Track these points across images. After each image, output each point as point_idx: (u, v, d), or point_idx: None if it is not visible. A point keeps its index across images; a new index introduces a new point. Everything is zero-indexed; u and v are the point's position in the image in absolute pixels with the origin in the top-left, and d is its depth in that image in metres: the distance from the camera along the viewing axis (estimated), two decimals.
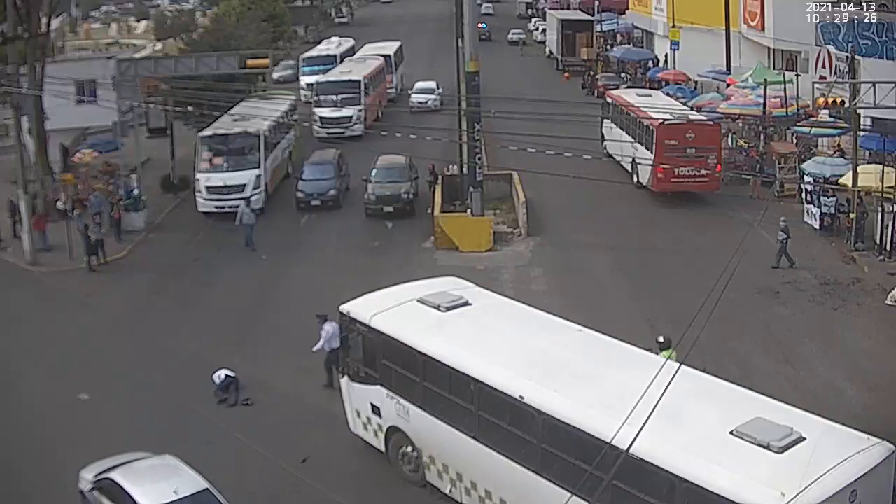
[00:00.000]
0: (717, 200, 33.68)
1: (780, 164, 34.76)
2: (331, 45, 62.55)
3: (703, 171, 33.35)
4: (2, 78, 32.21)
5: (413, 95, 51.95)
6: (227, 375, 20.83)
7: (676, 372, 10.78)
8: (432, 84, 53.53)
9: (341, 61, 55.78)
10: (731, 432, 12.71)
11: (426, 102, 50.97)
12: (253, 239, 31.17)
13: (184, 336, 24.14)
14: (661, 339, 18.82)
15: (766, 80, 38.82)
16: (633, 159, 35.93)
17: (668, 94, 43.50)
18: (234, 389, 20.77)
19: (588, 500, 12.35)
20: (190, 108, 35.94)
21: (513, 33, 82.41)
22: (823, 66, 35.87)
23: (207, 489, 14.40)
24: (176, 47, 64.41)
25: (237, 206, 34.21)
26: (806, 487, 11.56)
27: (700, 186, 33.86)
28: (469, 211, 31.04)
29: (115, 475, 14.84)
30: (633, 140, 36.14)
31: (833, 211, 30.24)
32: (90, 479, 15.43)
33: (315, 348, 20.80)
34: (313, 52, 60.86)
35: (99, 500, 15.01)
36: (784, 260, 27.68)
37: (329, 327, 20.37)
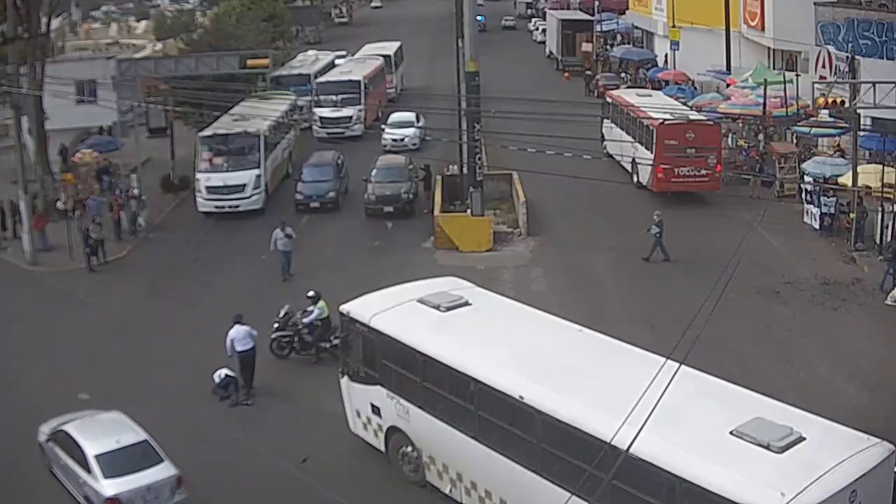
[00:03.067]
0: (717, 200, 33.68)
1: (780, 164, 34.76)
2: (305, 61, 54.17)
3: (703, 171, 33.36)
4: (2, 78, 32.25)
5: (386, 130, 42.82)
6: (226, 375, 20.83)
7: (676, 372, 10.78)
8: (411, 116, 44.27)
9: (316, 76, 49.49)
10: (731, 432, 12.71)
11: (402, 140, 42.11)
12: (291, 269, 28.17)
13: (184, 336, 24.14)
14: (311, 293, 21.59)
15: (766, 80, 38.83)
16: (633, 159, 35.93)
17: (668, 95, 43.46)
18: (233, 389, 20.77)
19: (588, 500, 12.35)
20: (180, 109, 35.60)
21: (505, 20, 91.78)
22: (823, 66, 35.84)
23: (146, 440, 16.33)
24: (176, 47, 64.39)
25: (237, 206, 34.31)
26: (806, 487, 11.56)
27: (700, 186, 33.86)
28: (469, 211, 31.04)
29: (67, 428, 16.83)
30: (633, 140, 36.14)
31: (833, 211, 30.25)
32: (47, 432, 17.49)
33: (228, 352, 20.86)
34: (283, 71, 51.20)
35: (53, 449, 17.10)
36: (658, 253, 28.15)
37: (234, 330, 20.69)
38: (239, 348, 20.73)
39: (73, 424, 16.89)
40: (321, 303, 22.45)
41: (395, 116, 44.72)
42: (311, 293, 22.54)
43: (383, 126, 43.32)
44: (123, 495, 15.45)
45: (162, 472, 15.90)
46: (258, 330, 21.48)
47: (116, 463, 15.80)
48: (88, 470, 15.88)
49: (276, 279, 28.18)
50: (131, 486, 15.52)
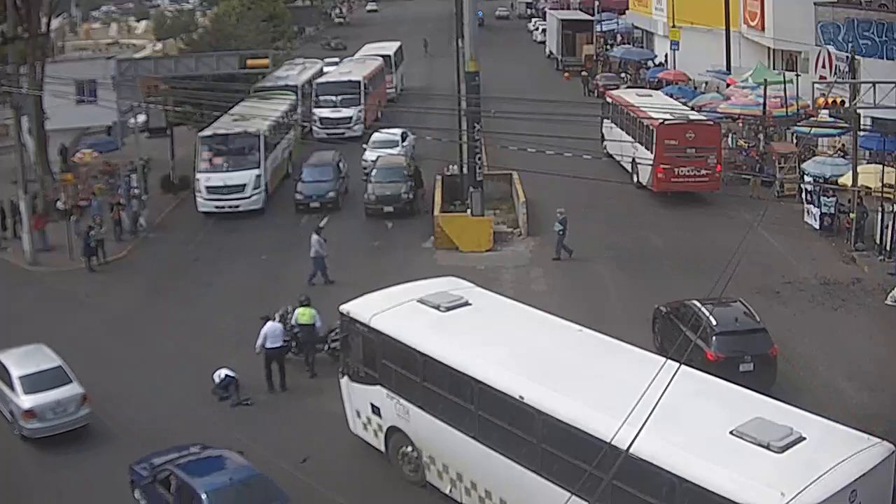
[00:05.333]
0: (717, 200, 33.68)
1: (780, 164, 34.76)
2: (291, 72, 50.22)
3: (703, 171, 33.36)
4: (2, 78, 32.25)
5: (367, 151, 38.73)
6: (226, 375, 20.85)
7: (676, 372, 10.78)
8: (395, 135, 39.92)
9: (303, 88, 47.03)
10: (731, 432, 12.72)
11: None
12: (327, 273, 27.45)
13: (184, 336, 24.14)
14: (302, 297, 22.12)
15: (766, 80, 38.82)
16: (633, 159, 35.92)
17: (668, 95, 43.44)
18: (234, 389, 20.78)
19: (588, 500, 12.35)
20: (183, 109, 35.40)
21: (499, 10, 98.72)
22: (823, 66, 35.85)
23: (60, 366, 19.82)
24: (176, 47, 64.48)
25: (237, 206, 34.30)
26: (806, 487, 11.57)
27: (700, 186, 33.85)
28: (469, 211, 31.04)
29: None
30: (633, 140, 36.14)
31: (833, 211, 30.24)
32: None
33: (257, 349, 20.95)
34: (267, 82, 46.50)
35: None
36: (563, 251, 28.93)
37: (268, 326, 20.80)
38: (275, 344, 20.89)
39: (3, 354, 20.21)
40: (299, 310, 22.16)
41: (378, 136, 40.08)
42: (302, 297, 22.50)
43: (364, 145, 39.47)
44: (37, 408, 19.01)
45: (70, 391, 19.42)
46: (258, 330, 21.46)
47: (34, 383, 19.31)
48: (13, 389, 19.37)
49: (276, 279, 28.21)
50: (44, 401, 19.08)
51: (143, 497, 16.35)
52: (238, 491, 14.84)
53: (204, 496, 14.59)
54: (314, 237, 27.74)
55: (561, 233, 28.91)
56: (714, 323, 19.70)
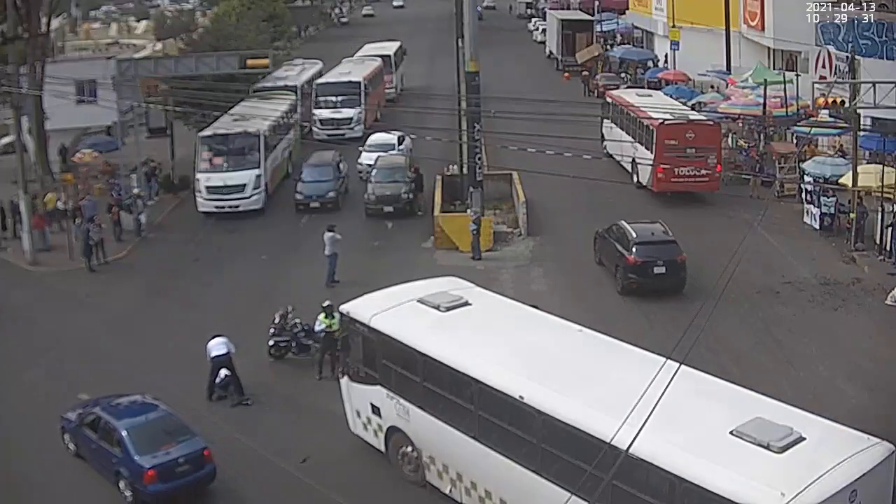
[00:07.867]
0: (717, 200, 33.67)
1: (780, 164, 34.76)
2: (291, 72, 49.74)
3: (703, 171, 33.35)
4: (2, 78, 32.24)
5: (363, 154, 38.45)
6: (226, 375, 20.83)
7: (676, 372, 10.78)
8: (392, 138, 39.43)
9: (303, 88, 46.76)
10: (731, 432, 12.72)
11: None
12: (336, 273, 27.31)
13: (184, 336, 24.12)
14: (325, 303, 21.49)
15: (766, 80, 38.81)
16: (633, 159, 35.92)
17: (667, 95, 43.42)
18: (233, 389, 20.77)
19: (588, 500, 12.35)
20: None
21: (486, 1, 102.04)
22: (823, 66, 35.86)
23: None
24: (176, 47, 64.43)
25: (237, 206, 34.29)
26: (806, 487, 11.57)
27: (700, 186, 33.85)
28: (469, 211, 31.02)
29: None
30: (633, 140, 36.14)
31: (833, 211, 30.24)
32: None
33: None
34: (268, 83, 45.97)
35: None
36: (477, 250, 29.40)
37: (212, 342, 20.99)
38: (213, 354, 20.91)
39: None
40: (321, 315, 21.78)
41: (375, 138, 39.64)
42: (326, 303, 21.85)
43: (360, 147, 39.17)
44: None
45: None
46: (258, 330, 21.49)
47: None
48: None
49: (276, 279, 28.20)
50: None
51: (72, 440, 18.74)
52: (153, 427, 17.55)
53: (124, 432, 17.26)
54: (328, 234, 27.49)
55: (475, 232, 29.11)
56: (634, 235, 25.78)
